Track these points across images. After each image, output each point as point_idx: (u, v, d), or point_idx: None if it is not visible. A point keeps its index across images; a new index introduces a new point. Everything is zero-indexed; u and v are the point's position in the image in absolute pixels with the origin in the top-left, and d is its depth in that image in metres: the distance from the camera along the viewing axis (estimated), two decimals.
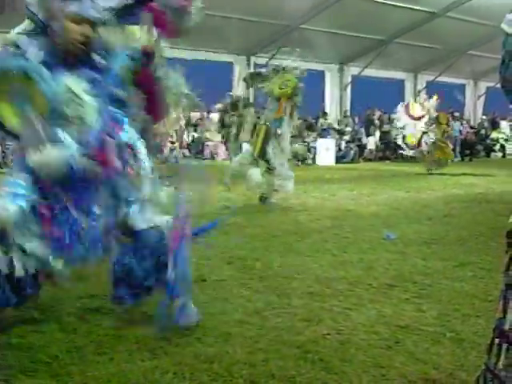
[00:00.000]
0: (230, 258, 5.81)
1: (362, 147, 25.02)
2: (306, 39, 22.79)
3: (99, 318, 4.01)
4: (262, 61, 23.78)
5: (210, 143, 22.63)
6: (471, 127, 29.12)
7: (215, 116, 16.10)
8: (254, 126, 10.03)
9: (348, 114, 27.19)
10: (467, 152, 25.78)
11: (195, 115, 23.12)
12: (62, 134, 3.58)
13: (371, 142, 24.97)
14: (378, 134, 25.05)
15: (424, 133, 17.16)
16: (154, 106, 4.00)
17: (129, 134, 3.82)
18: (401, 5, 21.84)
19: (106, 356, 3.38)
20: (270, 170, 9.69)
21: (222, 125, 12.21)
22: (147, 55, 3.92)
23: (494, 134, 29.25)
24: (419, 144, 17.28)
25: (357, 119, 27.19)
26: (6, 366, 3.20)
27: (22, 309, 4.07)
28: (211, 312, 4.16)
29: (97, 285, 4.59)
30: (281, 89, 9.65)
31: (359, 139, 25.31)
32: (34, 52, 3.65)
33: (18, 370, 3.18)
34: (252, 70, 10.20)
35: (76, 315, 4.07)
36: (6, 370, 3.15)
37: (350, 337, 3.70)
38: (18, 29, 3.74)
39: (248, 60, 24.30)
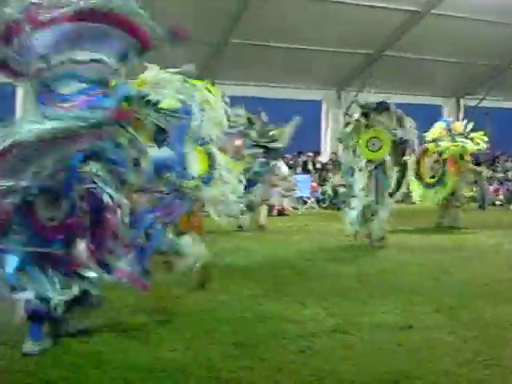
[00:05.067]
0: (437, 304, 5.63)
1: None
2: None
3: (304, 359, 4.07)
4: (473, 103, 23.12)
5: None
6: None
7: None
8: None
9: None
10: None
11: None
12: None
13: None
14: None
15: None
16: None
17: None
18: None
19: None
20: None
21: None
22: None
23: None
24: None
25: None
26: None
27: (229, 346, 4.27)
28: (418, 359, 4.07)
29: None
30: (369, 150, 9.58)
31: None
32: None
33: None
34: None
35: (282, 355, 4.16)
36: None
37: None
38: None
39: (457, 102, 23.71)
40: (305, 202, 18.99)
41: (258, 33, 17.89)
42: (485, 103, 23.76)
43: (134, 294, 5.15)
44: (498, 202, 21.43)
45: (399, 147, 9.97)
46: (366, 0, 17.59)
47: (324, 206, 19.32)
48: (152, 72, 5.14)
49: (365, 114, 9.82)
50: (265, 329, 4.78)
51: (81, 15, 3.98)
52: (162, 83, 4.99)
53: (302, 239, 10.82)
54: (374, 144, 9.58)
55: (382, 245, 9.61)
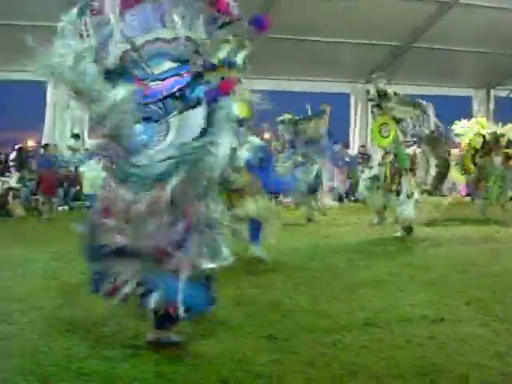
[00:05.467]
0: (467, 297, 5.59)
1: None
2: None
3: (335, 352, 4.08)
4: (504, 93, 22.82)
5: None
6: None
7: None
8: None
9: None
10: None
11: None
12: None
13: None
14: None
15: None
16: None
17: None
18: None
19: None
20: None
21: None
22: None
23: None
24: None
25: None
26: None
27: (260, 340, 4.29)
28: (448, 352, 4.05)
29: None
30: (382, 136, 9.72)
31: None
32: None
33: None
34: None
35: (312, 348, 4.18)
36: None
37: None
38: None
39: (488, 93, 23.38)
40: None
41: (286, 27, 17.81)
42: None
43: None
44: None
45: (436, 140, 9.99)
46: None
47: (353, 199, 19.23)
48: None
49: (377, 105, 9.94)
50: (295, 322, 4.80)
51: None
52: None
53: (330, 233, 10.79)
54: (385, 130, 9.67)
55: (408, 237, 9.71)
